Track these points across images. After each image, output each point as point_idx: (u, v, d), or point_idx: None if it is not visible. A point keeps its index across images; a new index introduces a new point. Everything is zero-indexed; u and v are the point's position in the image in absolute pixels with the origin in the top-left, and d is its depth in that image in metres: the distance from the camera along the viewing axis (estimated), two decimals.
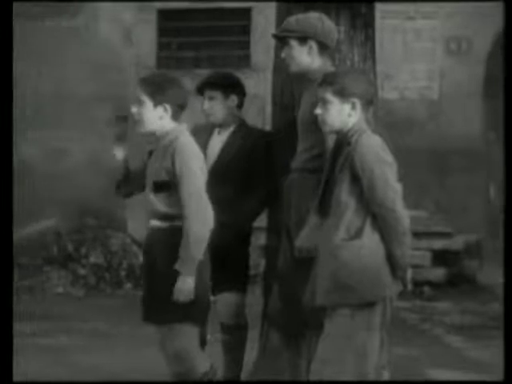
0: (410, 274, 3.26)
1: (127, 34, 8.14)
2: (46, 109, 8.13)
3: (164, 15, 8.16)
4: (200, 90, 4.07)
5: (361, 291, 3.12)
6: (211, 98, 4.01)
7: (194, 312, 3.34)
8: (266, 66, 6.41)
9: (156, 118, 3.38)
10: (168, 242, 3.33)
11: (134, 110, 3.40)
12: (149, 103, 3.37)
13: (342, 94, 3.20)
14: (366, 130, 3.23)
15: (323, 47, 3.55)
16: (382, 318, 3.16)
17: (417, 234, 7.52)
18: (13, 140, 3.93)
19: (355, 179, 3.15)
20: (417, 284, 7.33)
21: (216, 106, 4.03)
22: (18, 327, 5.63)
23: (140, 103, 3.39)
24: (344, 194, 3.16)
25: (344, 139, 3.23)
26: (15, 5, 8.04)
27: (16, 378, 3.64)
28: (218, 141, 4.06)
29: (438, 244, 7.53)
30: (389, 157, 3.18)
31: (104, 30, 8.08)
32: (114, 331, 5.65)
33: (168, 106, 3.36)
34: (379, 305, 3.15)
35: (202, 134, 4.01)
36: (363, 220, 3.15)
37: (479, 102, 7.76)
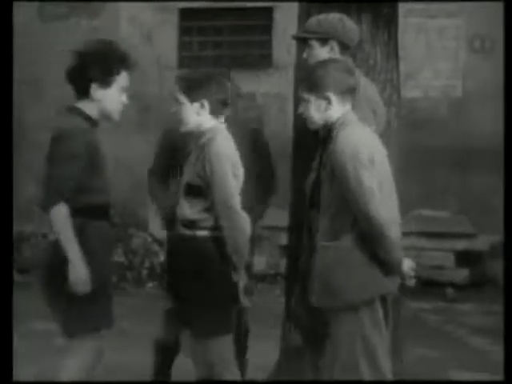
0: (407, 266, 3.12)
1: (148, 33, 8.15)
2: None
3: (185, 15, 8.17)
4: None
5: (344, 295, 3.04)
6: None
7: (233, 322, 3.32)
8: (288, 65, 6.39)
9: (193, 114, 3.26)
10: (191, 252, 3.27)
11: (172, 109, 3.33)
12: (185, 100, 3.26)
13: (315, 90, 3.11)
14: (349, 124, 3.10)
15: (344, 47, 3.53)
16: (384, 313, 3.10)
17: (439, 235, 7.56)
18: (13, 140, 3.94)
19: (335, 178, 3.05)
20: (440, 285, 7.28)
21: None
22: (41, 326, 5.68)
23: (177, 102, 3.29)
24: (327, 194, 3.08)
25: (326, 134, 3.14)
26: (39, 6, 8.15)
27: (40, 376, 3.64)
28: None
29: (461, 245, 7.47)
30: (366, 157, 2.99)
31: (125, 30, 8.09)
32: (135, 330, 5.65)
33: (205, 102, 3.25)
34: (377, 302, 3.07)
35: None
36: (343, 221, 3.04)
37: (503, 100, 7.68)
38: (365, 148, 3.02)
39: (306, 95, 3.14)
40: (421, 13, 7.70)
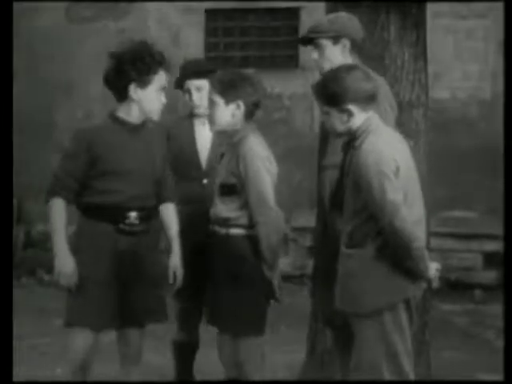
0: (433, 269, 3.08)
1: (175, 34, 8.18)
2: (96, 110, 8.21)
3: (212, 15, 8.19)
4: (182, 82, 3.94)
5: (367, 302, 3.04)
6: (199, 89, 3.87)
7: (266, 323, 3.32)
8: (314, 66, 6.38)
9: (228, 115, 3.28)
10: (225, 250, 3.29)
11: (200, 110, 3.37)
12: (220, 101, 3.28)
13: (335, 104, 3.04)
14: (372, 130, 3.04)
15: (354, 44, 3.51)
16: (409, 316, 3.08)
17: (468, 236, 7.49)
18: (13, 137, 4.02)
19: (359, 186, 3.02)
20: (468, 287, 7.23)
21: (204, 96, 3.83)
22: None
23: (211, 103, 3.30)
24: (350, 200, 3.06)
25: (351, 140, 3.10)
26: (66, 9, 8.21)
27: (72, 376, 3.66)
28: (207, 132, 3.85)
29: (490, 246, 7.42)
30: (390, 168, 2.95)
31: (152, 32, 8.13)
32: (163, 331, 5.68)
33: (241, 103, 3.28)
34: (400, 306, 3.05)
35: (185, 126, 3.92)
36: (368, 231, 3.02)
37: None
38: (388, 159, 2.98)
39: (325, 108, 3.09)
40: (449, 14, 7.65)
